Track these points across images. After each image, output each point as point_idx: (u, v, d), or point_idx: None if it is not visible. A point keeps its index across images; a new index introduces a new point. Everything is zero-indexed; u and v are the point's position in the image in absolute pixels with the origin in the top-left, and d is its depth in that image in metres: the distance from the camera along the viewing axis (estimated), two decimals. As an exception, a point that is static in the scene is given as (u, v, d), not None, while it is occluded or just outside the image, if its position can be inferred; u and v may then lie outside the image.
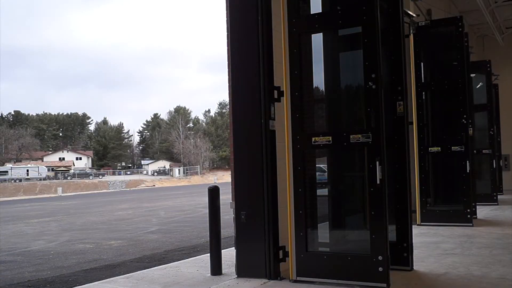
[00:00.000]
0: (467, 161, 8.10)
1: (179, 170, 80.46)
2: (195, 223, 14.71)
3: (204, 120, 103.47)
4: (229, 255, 5.48)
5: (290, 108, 4.72)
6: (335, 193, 5.41)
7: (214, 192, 5.34)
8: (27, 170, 72.12)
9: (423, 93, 8.52)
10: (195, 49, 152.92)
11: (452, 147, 8.26)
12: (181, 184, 67.53)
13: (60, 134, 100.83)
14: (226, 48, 5.14)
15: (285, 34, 4.75)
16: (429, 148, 8.39)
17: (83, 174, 76.09)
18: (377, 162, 4.22)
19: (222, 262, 5.27)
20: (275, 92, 4.91)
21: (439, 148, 8.38)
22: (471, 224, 7.94)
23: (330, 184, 5.37)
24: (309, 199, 4.84)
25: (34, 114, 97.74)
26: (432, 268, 5.12)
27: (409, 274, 4.88)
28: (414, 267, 5.07)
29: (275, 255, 4.75)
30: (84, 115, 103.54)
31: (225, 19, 5.13)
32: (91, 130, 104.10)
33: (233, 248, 5.04)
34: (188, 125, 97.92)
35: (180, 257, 8.01)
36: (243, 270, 4.93)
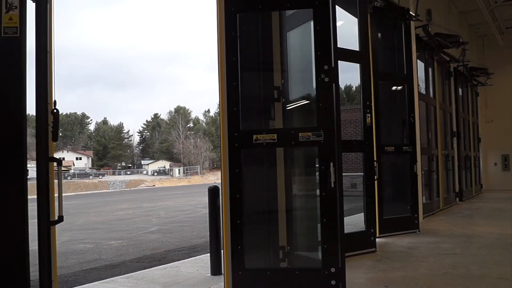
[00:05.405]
0: (415, 163, 7.44)
1: (179, 170, 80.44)
2: (195, 223, 14.70)
3: (204, 120, 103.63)
4: (229, 255, 5.47)
5: (226, 100, 4.00)
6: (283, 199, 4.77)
7: (214, 192, 5.34)
8: (27, 170, 72.05)
9: (376, 85, 6.87)
10: (203, 51, 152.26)
11: (403, 147, 7.47)
12: (181, 184, 67.49)
13: (60, 134, 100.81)
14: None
15: (221, 13, 3.98)
16: (385, 148, 7.23)
17: (83, 174, 76.07)
18: (331, 164, 3.77)
19: (222, 262, 5.27)
20: (275, 92, 4.87)
21: (393, 148, 7.41)
22: (417, 230, 7.34)
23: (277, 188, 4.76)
24: (251, 207, 4.29)
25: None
26: (432, 268, 5.13)
27: (409, 274, 4.88)
28: (414, 267, 5.14)
29: (275, 255, 4.74)
30: (83, 115, 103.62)
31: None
32: (91, 130, 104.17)
33: (233, 248, 5.04)
34: (188, 125, 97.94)
35: (180, 257, 8.00)
36: (243, 270, 4.89)
